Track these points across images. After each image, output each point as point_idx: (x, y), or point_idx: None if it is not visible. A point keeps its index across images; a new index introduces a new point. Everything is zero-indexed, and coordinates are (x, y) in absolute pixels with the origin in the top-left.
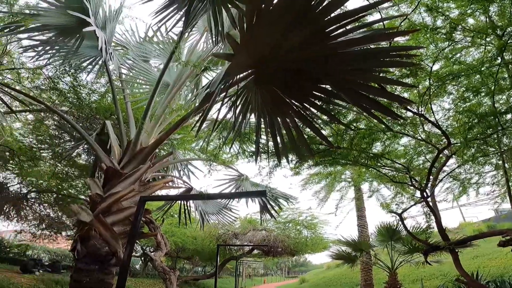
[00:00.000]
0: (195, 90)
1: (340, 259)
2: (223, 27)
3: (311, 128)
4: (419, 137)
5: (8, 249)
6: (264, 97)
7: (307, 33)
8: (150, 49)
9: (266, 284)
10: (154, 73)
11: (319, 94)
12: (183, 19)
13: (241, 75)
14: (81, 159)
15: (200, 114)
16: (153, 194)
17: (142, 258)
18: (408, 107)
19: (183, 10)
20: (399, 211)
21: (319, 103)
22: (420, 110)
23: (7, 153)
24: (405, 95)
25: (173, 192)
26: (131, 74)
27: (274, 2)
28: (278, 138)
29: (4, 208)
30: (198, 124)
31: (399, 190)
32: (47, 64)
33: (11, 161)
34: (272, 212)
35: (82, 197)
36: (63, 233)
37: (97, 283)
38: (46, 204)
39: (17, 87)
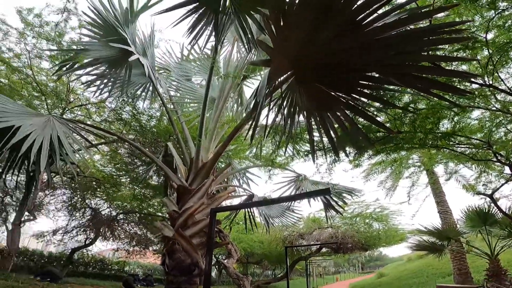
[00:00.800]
0: (239, 99)
1: (423, 249)
2: (253, 34)
3: (364, 117)
4: (494, 108)
5: (110, 267)
6: (309, 95)
7: (337, 25)
8: (189, 67)
9: (339, 282)
10: (199, 91)
11: (366, 83)
12: (213, 34)
13: (282, 78)
14: (153, 180)
15: (250, 122)
16: (219, 205)
17: (216, 266)
18: (472, 79)
19: (211, 25)
20: (489, 192)
21: (368, 92)
22: (487, 81)
23: (94, 183)
24: (464, 67)
25: (235, 200)
26: (178, 94)
27: (296, 1)
28: (332, 133)
29: (101, 230)
30: (249, 133)
31: (483, 168)
32: (109, 96)
33: (98, 189)
34: (337, 208)
35: (160, 214)
36: (150, 248)
37: None
38: (133, 223)
39: (88, 122)
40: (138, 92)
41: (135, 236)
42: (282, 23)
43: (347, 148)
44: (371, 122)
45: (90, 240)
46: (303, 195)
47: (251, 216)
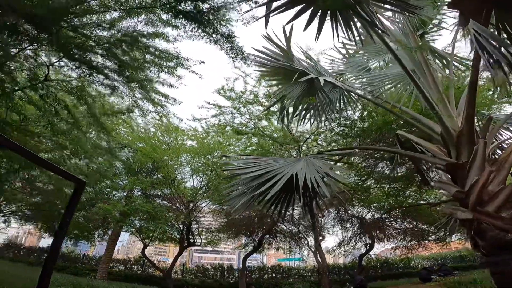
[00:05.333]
0: (436, 55)
1: None
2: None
3: None
4: None
5: (395, 265)
6: None
7: None
8: (357, 60)
9: None
10: (388, 72)
11: None
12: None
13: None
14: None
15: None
16: None
17: None
18: None
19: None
20: None
21: None
22: None
23: (346, 194)
24: None
25: None
26: (367, 87)
27: None
28: None
29: (373, 233)
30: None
31: None
32: (326, 121)
33: (353, 198)
34: None
35: (422, 202)
36: (429, 238)
37: None
38: (399, 220)
39: (318, 149)
40: (341, 105)
41: (407, 231)
42: None
43: None
44: None
45: (368, 245)
46: None
47: None
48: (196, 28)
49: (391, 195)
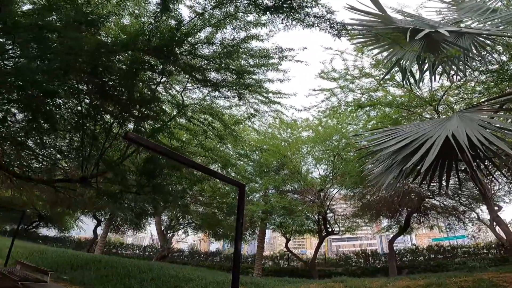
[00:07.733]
0: None
1: None
2: None
3: None
4: None
5: None
6: None
7: None
8: (472, 5)
9: None
10: None
11: None
12: None
13: None
14: None
15: None
16: None
17: None
18: None
19: None
20: None
21: None
22: None
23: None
24: None
25: None
26: (505, 27)
27: None
28: None
29: None
30: None
31: None
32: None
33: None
34: None
35: None
36: None
37: None
38: None
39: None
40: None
41: None
42: None
43: None
44: None
45: None
46: None
47: None
48: (285, 18)
49: None
